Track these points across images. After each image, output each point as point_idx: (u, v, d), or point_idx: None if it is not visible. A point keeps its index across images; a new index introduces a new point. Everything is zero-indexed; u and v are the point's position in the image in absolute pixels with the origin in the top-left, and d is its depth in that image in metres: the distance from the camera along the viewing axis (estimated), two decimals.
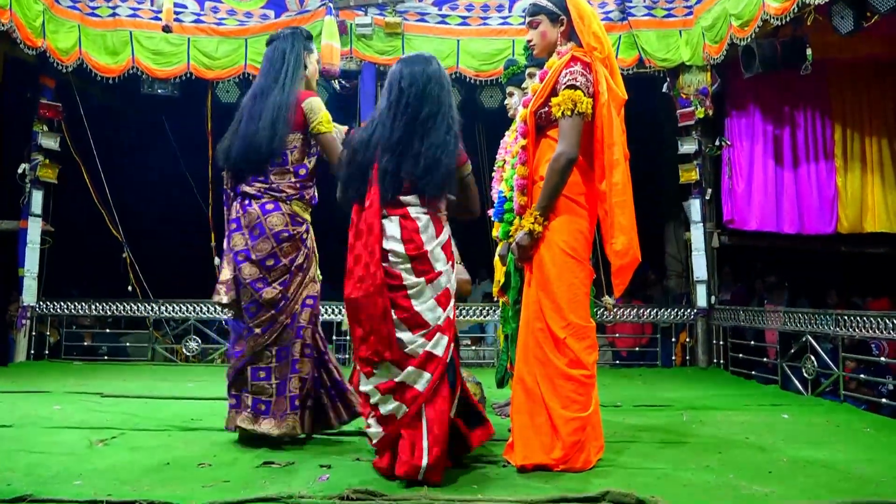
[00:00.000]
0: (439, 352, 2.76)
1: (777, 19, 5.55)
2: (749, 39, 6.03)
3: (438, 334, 2.77)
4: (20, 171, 7.08)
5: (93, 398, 4.69)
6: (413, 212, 2.81)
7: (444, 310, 2.80)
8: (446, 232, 2.89)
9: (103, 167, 7.28)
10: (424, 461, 2.65)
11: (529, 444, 2.90)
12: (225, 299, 3.44)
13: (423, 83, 2.86)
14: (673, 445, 3.46)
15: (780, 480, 2.86)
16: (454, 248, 2.97)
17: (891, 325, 4.63)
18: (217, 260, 7.28)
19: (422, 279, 2.76)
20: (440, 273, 2.80)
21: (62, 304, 7.19)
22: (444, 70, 2.98)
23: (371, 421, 2.85)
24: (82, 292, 7.83)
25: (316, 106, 3.43)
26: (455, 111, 2.94)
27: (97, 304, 7.25)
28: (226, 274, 3.46)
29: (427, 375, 2.73)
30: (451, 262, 2.87)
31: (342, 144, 3.20)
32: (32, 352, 6.99)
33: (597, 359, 3.02)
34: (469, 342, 7.89)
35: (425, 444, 2.68)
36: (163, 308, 7.23)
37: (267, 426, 3.27)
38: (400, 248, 2.77)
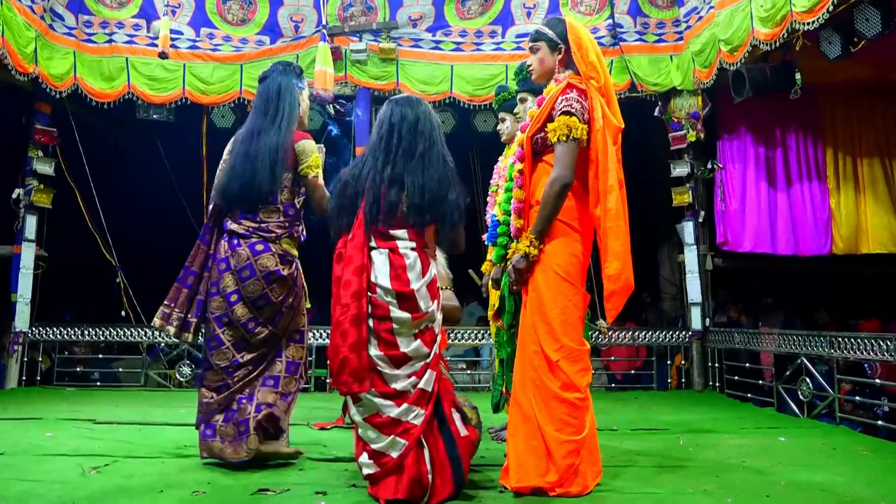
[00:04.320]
0: (429, 387, 2.83)
1: (766, 45, 5.63)
2: (738, 64, 6.10)
3: (428, 371, 2.83)
4: (14, 195, 7.08)
5: (85, 425, 4.64)
6: (402, 247, 2.87)
7: (430, 349, 2.85)
8: (432, 270, 2.93)
9: (98, 192, 7.28)
10: (428, 492, 2.73)
11: (524, 466, 2.89)
12: (171, 331, 3.51)
13: (413, 121, 2.97)
14: (670, 470, 3.45)
15: None
16: (447, 271, 3.01)
17: (885, 347, 4.64)
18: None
19: (408, 315, 2.80)
20: (425, 314, 2.84)
21: (55, 329, 7.14)
22: (433, 111, 3.09)
23: (363, 456, 2.83)
24: (76, 317, 7.79)
25: (308, 148, 3.47)
26: (446, 148, 3.03)
27: (90, 330, 7.20)
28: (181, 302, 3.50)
29: (420, 411, 2.78)
30: (436, 302, 2.90)
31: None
32: (24, 378, 6.92)
33: (590, 381, 3.02)
34: (464, 366, 7.86)
35: (430, 475, 2.74)
36: (156, 333, 7.19)
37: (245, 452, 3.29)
38: (387, 283, 2.82)
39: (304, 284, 3.58)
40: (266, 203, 3.41)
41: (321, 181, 3.48)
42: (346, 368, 2.75)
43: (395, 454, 2.74)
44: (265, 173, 3.37)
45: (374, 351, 2.79)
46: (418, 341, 2.82)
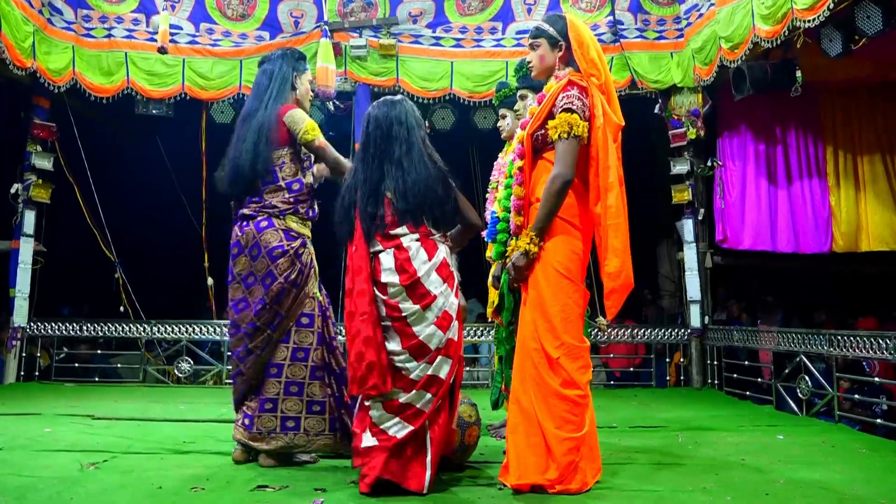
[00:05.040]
0: (442, 375, 2.87)
1: (767, 42, 5.62)
2: (739, 62, 6.09)
3: (440, 357, 2.87)
4: (13, 190, 7.06)
5: (84, 420, 4.64)
6: (405, 241, 2.91)
7: (445, 332, 2.87)
8: (440, 253, 2.94)
9: (97, 187, 7.27)
10: (427, 481, 2.79)
11: (524, 463, 2.89)
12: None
13: (386, 126, 3.00)
14: (669, 467, 3.45)
15: (777, 502, 2.85)
16: (455, 271, 3.02)
17: (884, 345, 4.64)
18: (210, 280, 7.27)
19: (417, 306, 2.85)
20: (436, 297, 2.87)
21: (53, 325, 7.13)
22: (412, 111, 3.09)
23: (367, 436, 2.86)
24: (73, 312, 7.77)
25: (298, 117, 3.42)
26: (429, 146, 3.05)
27: (89, 325, 7.19)
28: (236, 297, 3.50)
29: (428, 396, 2.85)
30: (448, 284, 2.92)
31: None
32: (22, 373, 6.91)
33: (590, 379, 3.02)
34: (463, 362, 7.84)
35: (428, 463, 2.81)
36: (155, 329, 7.19)
37: (250, 441, 3.31)
38: (395, 279, 2.87)
39: (316, 267, 3.51)
40: (266, 182, 3.40)
41: (324, 142, 3.43)
42: (375, 371, 2.79)
43: (398, 435, 2.80)
44: (248, 153, 3.38)
45: (394, 346, 2.85)
46: (433, 327, 2.85)
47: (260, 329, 3.36)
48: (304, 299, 3.42)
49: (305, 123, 3.40)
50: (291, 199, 3.43)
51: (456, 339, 2.91)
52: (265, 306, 3.34)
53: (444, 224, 3.01)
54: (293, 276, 3.37)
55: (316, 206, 3.58)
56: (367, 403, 2.89)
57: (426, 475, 2.80)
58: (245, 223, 3.42)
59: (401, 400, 2.84)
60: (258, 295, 3.35)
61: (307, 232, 3.51)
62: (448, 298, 2.91)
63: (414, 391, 2.83)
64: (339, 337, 3.56)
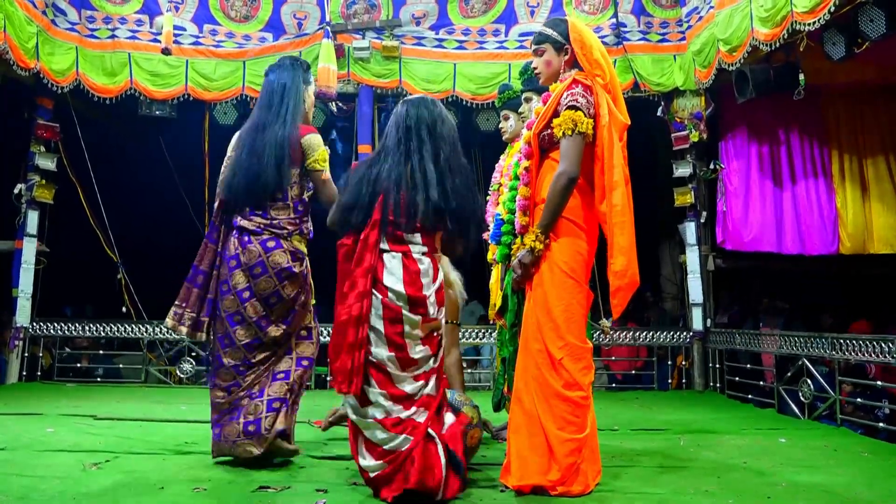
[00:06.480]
0: (434, 392, 2.86)
1: (766, 45, 5.61)
2: (738, 64, 6.08)
3: (434, 377, 2.86)
4: (16, 191, 7.08)
5: (86, 420, 4.64)
6: (415, 251, 2.85)
7: (434, 352, 2.87)
8: (441, 276, 2.93)
9: (100, 188, 7.28)
10: (442, 485, 2.72)
11: (526, 464, 2.89)
12: (184, 331, 3.44)
13: (431, 123, 2.94)
14: (671, 470, 3.45)
15: None
16: (462, 293, 3.03)
17: (886, 349, 4.63)
18: None
19: (418, 317, 2.81)
20: (434, 319, 2.86)
21: (56, 325, 7.14)
22: (448, 114, 3.07)
23: (368, 459, 2.79)
24: (76, 313, 7.77)
25: (315, 143, 3.45)
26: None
27: (91, 325, 7.20)
28: (192, 303, 3.45)
29: (424, 410, 2.80)
30: (442, 310, 2.92)
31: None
32: (25, 373, 6.93)
33: (592, 380, 3.01)
34: (465, 364, 7.84)
35: (444, 465, 2.73)
36: (157, 329, 7.19)
37: (258, 448, 3.23)
38: (400, 287, 2.79)
39: (311, 282, 3.56)
40: (275, 199, 3.38)
41: (329, 175, 3.48)
42: (342, 368, 2.74)
43: (403, 449, 2.72)
44: (271, 169, 3.33)
45: (384, 352, 2.77)
46: (426, 347, 2.83)
47: (266, 345, 3.36)
48: (305, 314, 3.51)
49: (319, 151, 3.45)
50: (297, 220, 3.43)
51: (441, 356, 2.92)
52: (272, 323, 3.36)
53: (465, 236, 2.94)
54: (302, 298, 3.44)
55: (311, 227, 3.58)
56: (364, 421, 2.78)
57: (441, 482, 2.71)
58: (247, 238, 3.35)
59: (402, 416, 2.75)
60: (258, 312, 3.33)
61: (306, 250, 3.53)
62: (441, 323, 2.91)
63: (413, 408, 2.77)
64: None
